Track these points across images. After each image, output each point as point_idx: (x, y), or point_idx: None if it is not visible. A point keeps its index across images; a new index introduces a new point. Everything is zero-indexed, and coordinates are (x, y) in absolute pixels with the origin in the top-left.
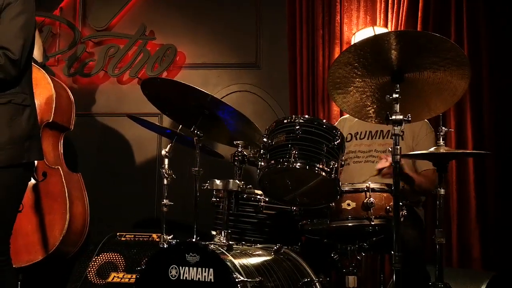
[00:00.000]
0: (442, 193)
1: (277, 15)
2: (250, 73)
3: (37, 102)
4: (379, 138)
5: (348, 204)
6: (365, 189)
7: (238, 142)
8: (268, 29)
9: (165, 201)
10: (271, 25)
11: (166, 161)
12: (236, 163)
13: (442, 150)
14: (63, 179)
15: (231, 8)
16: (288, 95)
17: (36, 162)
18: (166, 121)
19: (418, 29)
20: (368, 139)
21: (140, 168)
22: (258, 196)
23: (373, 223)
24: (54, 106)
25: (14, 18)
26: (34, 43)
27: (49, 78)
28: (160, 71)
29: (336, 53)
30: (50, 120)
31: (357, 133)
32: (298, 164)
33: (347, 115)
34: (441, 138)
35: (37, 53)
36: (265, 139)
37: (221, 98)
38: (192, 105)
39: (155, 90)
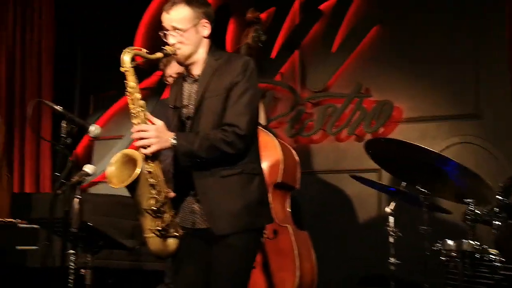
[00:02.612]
0: None
1: (495, 61)
2: (470, 124)
3: (266, 164)
4: None
5: None
6: None
7: (470, 200)
8: (488, 76)
9: (392, 259)
10: (492, 72)
11: (391, 218)
12: (468, 222)
13: None
14: (292, 237)
15: (448, 58)
16: None
17: None
18: (385, 177)
19: None
20: None
21: (362, 224)
22: (492, 256)
23: None
24: (282, 167)
25: (240, 96)
26: (258, 115)
27: (276, 141)
28: (377, 127)
29: None
30: (279, 181)
31: None
32: None
33: None
34: None
35: (262, 116)
36: (500, 197)
37: (440, 151)
38: (416, 162)
39: (378, 149)
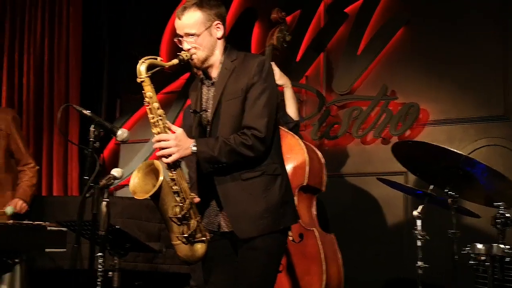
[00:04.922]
0: None
1: None
2: (498, 126)
3: (291, 166)
4: None
5: None
6: None
7: (500, 203)
8: None
9: (419, 263)
10: None
11: (419, 222)
12: (498, 226)
13: None
14: (319, 240)
15: (476, 59)
16: None
17: None
18: (412, 179)
19: None
20: None
21: (388, 227)
22: None
23: None
24: (307, 169)
25: (257, 98)
26: (277, 116)
27: (302, 144)
28: (403, 130)
29: None
30: (304, 184)
31: None
32: None
33: None
34: None
35: (293, 112)
36: None
37: (468, 154)
38: (444, 165)
39: (406, 152)
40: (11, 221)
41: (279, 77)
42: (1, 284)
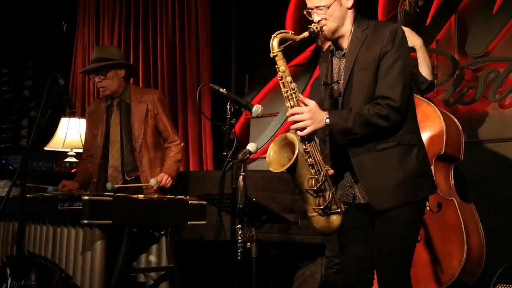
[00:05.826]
0: None
1: None
2: None
3: (428, 135)
4: None
5: None
6: None
7: None
8: None
9: None
10: None
11: None
12: None
13: None
14: (458, 210)
15: None
16: None
17: None
18: None
19: None
20: None
21: None
22: None
23: None
24: (444, 138)
25: (391, 67)
26: (411, 83)
27: (438, 111)
28: None
29: None
30: (442, 152)
31: None
32: None
33: None
34: None
35: (426, 72)
36: None
37: None
38: None
39: None
40: (155, 196)
41: (412, 38)
42: (150, 255)
